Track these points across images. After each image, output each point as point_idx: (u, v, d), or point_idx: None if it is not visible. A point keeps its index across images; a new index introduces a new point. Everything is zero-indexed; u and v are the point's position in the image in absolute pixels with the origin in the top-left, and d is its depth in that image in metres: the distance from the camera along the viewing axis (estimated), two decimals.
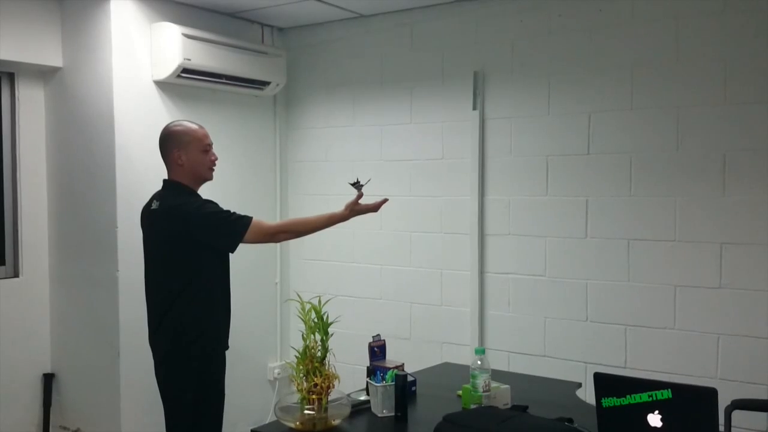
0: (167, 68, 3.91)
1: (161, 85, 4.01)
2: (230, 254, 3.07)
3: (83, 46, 3.90)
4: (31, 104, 4.04)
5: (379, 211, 3.18)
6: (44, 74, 4.05)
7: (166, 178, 3.08)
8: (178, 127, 3.07)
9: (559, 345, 3.83)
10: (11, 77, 3.97)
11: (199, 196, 3.05)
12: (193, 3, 4.11)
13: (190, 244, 2.92)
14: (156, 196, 3.05)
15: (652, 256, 3.56)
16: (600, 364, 3.59)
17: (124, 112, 3.83)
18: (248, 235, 2.95)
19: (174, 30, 3.88)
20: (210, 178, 3.09)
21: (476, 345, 3.96)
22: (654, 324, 3.56)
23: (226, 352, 3.12)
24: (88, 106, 3.90)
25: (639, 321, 3.60)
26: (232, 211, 2.99)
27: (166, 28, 3.90)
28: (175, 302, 2.95)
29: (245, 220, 2.96)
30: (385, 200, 3.17)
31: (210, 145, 3.08)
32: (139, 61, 3.91)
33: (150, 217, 3.03)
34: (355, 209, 3.11)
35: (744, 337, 3.34)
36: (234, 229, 2.93)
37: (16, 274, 4.01)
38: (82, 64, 3.91)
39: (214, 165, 3.09)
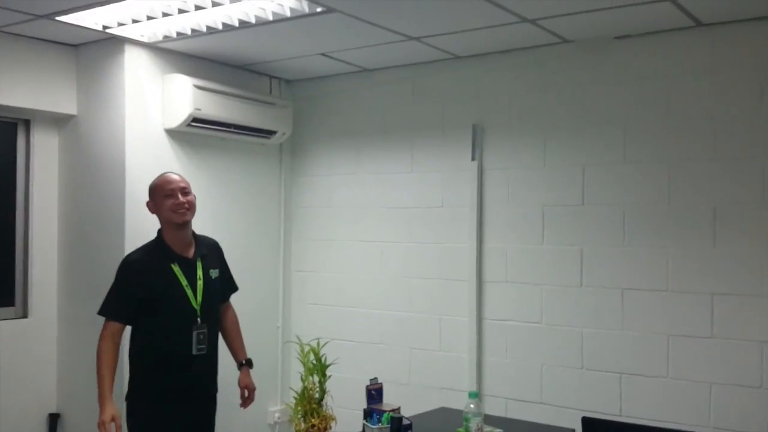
0: (178, 117, 4.05)
1: (172, 133, 4.15)
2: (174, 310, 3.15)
3: (97, 94, 4.05)
4: (46, 150, 4.17)
5: None
6: (59, 121, 4.19)
7: None
8: (153, 180, 3.25)
9: (555, 392, 3.87)
10: (27, 124, 4.11)
11: (153, 243, 3.20)
12: (205, 56, 4.27)
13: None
14: None
15: (645, 305, 3.64)
16: (596, 412, 3.61)
17: (134, 159, 3.96)
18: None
19: (186, 81, 4.03)
20: (176, 221, 3.12)
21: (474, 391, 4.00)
22: (648, 372, 3.61)
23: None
24: (101, 153, 4.03)
25: (633, 369, 3.65)
26: (117, 288, 3.16)
27: (178, 80, 4.05)
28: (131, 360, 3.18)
29: (104, 309, 3.14)
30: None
31: (173, 190, 3.12)
32: (150, 110, 4.05)
33: None
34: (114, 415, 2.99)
35: (736, 387, 3.39)
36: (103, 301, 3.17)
37: (24, 315, 4.09)
38: (95, 112, 4.06)
39: (180, 208, 3.11)
